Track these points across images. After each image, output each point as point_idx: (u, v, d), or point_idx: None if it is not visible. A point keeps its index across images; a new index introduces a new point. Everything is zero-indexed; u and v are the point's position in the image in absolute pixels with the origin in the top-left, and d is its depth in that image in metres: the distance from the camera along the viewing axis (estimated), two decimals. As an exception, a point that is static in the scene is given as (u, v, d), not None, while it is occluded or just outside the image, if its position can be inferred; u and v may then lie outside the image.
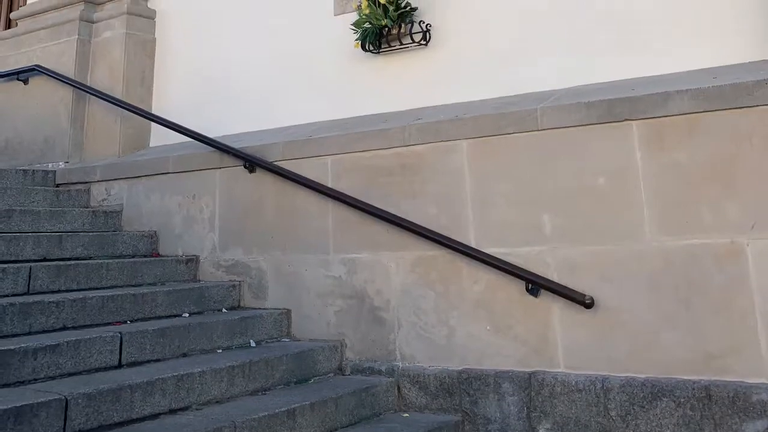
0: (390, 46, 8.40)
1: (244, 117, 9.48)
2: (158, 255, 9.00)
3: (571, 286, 6.44)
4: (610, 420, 6.16)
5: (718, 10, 6.81)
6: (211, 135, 9.03)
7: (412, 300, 7.34)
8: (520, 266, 6.71)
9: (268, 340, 7.81)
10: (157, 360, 6.70)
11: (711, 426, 5.77)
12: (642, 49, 7.09)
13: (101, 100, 10.23)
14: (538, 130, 6.82)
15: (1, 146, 10.95)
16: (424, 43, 8.24)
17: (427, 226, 7.23)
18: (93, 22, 10.95)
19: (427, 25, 8.23)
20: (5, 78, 11.05)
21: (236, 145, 8.66)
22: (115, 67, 10.50)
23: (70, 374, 6.03)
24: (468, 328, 7.00)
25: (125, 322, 7.18)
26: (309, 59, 9.18)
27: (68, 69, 10.59)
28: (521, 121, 6.91)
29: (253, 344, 7.58)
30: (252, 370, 6.71)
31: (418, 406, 7.14)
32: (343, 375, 7.59)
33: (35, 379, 5.81)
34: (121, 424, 5.66)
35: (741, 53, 6.61)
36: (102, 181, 9.74)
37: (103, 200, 9.67)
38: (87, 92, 10.38)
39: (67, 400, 5.34)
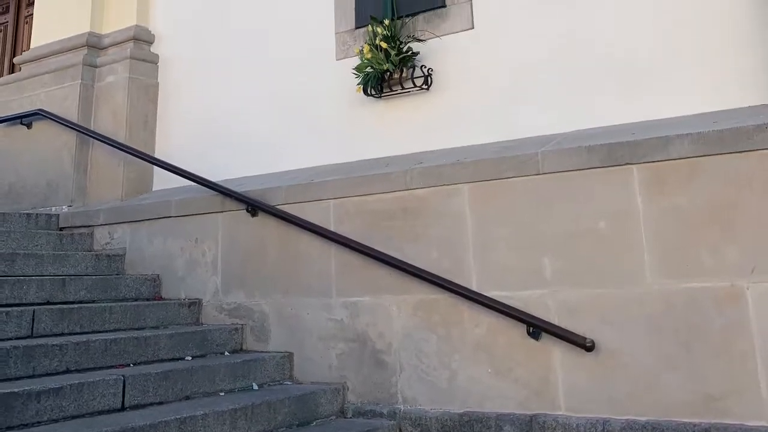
0: (392, 91, 8.46)
1: (247, 161, 9.53)
2: (161, 298, 9.02)
3: (571, 329, 6.46)
4: (612, 463, 6.18)
5: (717, 55, 6.87)
6: (213, 179, 9.07)
7: (413, 343, 7.35)
8: (521, 309, 6.73)
9: (271, 383, 7.81)
10: (160, 403, 6.69)
11: (712, 469, 5.79)
12: (642, 94, 7.15)
13: (104, 144, 10.27)
14: (539, 174, 6.86)
15: (4, 190, 10.99)
16: (426, 87, 8.30)
17: (428, 270, 7.25)
18: (96, 67, 11.02)
19: (428, 69, 8.30)
20: (9, 122, 11.09)
21: (239, 189, 8.69)
22: (119, 111, 10.55)
23: (74, 417, 6.03)
24: (469, 371, 7.02)
25: (128, 365, 7.18)
26: (311, 103, 9.24)
27: (71, 113, 10.64)
28: (522, 165, 6.95)
29: (255, 387, 7.58)
30: (254, 413, 6.70)
31: (420, 449, 7.16)
32: (345, 418, 7.58)
33: (38, 422, 5.80)
34: (124, 466, 5.67)
35: (741, 98, 6.67)
36: (105, 224, 9.78)
37: (106, 244, 9.70)
38: (90, 136, 10.43)
39: (70, 443, 5.37)
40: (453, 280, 7.12)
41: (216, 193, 8.85)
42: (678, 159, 6.23)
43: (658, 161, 6.31)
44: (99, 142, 10.36)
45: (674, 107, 6.94)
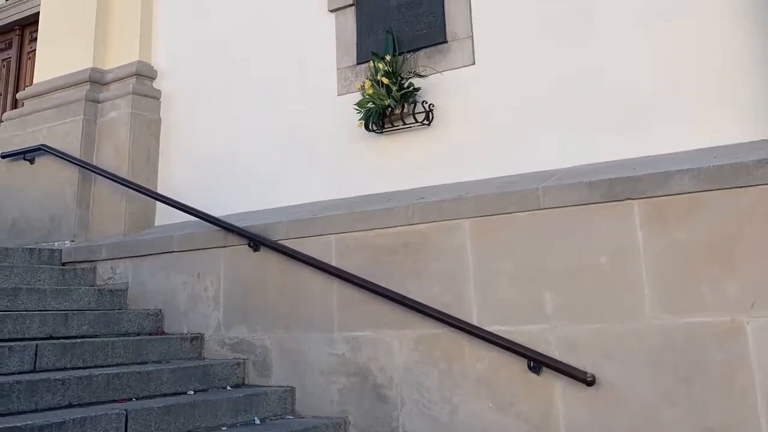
0: (393, 126, 8.51)
1: (249, 195, 9.58)
2: (163, 333, 9.04)
3: (572, 363, 6.47)
4: (613, 497, 6.19)
5: (717, 90, 6.92)
6: (215, 213, 9.12)
7: (415, 378, 7.36)
8: (521, 344, 6.74)
9: (273, 417, 7.81)
10: (162, 437, 6.73)
11: (714, 503, 5.80)
12: (642, 130, 7.20)
13: (107, 180, 10.32)
14: (540, 209, 6.89)
15: (7, 225, 11.02)
16: (427, 123, 8.36)
17: (430, 304, 7.27)
18: (98, 102, 11.07)
19: (429, 105, 8.36)
20: (12, 158, 11.15)
21: (241, 224, 8.73)
22: (121, 146, 10.60)
23: (76, 451, 6.06)
24: (471, 405, 7.02)
25: (131, 399, 7.19)
26: (313, 138, 9.30)
27: (74, 148, 10.69)
28: (523, 201, 6.99)
29: (257, 421, 7.58)
30: (256, 447, 6.73)
31: (421, 483, 7.16)
32: (347, 452, 7.62)
33: (42, 457, 5.83)
34: (127, 500, 5.69)
35: (740, 133, 6.72)
36: (108, 259, 9.81)
37: (108, 279, 9.73)
38: (93, 172, 10.47)
39: (73, 477, 5.37)
40: (454, 315, 7.14)
41: (218, 228, 8.88)
42: (678, 194, 6.26)
43: (659, 196, 6.34)
44: (101, 177, 10.39)
45: (674, 143, 6.99)
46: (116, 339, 8.14)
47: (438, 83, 8.43)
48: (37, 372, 7.18)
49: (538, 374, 6.67)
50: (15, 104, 13.73)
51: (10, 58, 15.05)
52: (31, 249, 9.82)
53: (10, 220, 11.06)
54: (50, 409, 6.56)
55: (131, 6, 11.41)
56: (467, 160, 8.09)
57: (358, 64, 9.09)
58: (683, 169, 6.29)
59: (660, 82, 7.22)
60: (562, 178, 7.06)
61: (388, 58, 8.48)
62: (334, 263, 7.96)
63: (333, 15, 9.44)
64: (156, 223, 10.45)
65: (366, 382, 7.66)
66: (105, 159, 10.67)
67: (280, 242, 8.33)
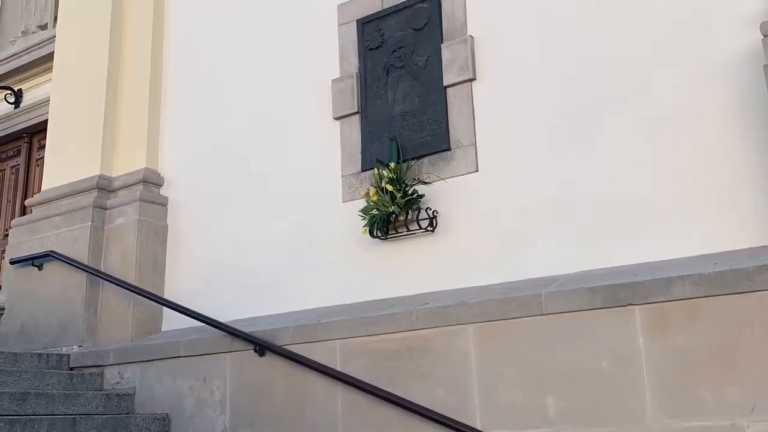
0: (397, 233, 8.62)
1: (255, 300, 9.65)
2: (170, 437, 9.09)
3: (576, 467, 6.51)
4: None
5: (717, 196, 7.03)
6: (222, 318, 9.19)
7: (420, 482, 7.38)
8: (526, 448, 6.79)
9: None
10: None
11: None
12: (644, 236, 7.30)
13: (114, 285, 10.40)
14: (543, 315, 6.96)
15: (16, 330, 11.07)
16: (431, 229, 8.46)
17: (434, 409, 7.30)
18: (106, 209, 11.18)
19: (433, 212, 8.47)
20: (21, 263, 11.23)
21: (247, 329, 8.79)
22: (128, 252, 10.69)
23: None
24: None
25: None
26: (317, 244, 9.40)
27: (82, 254, 10.78)
28: (526, 306, 7.06)
29: None
30: None
31: None
32: None
33: None
34: None
35: (741, 239, 6.82)
36: (115, 364, 9.84)
37: (116, 383, 9.76)
38: (100, 278, 10.56)
39: None
40: (458, 419, 7.16)
41: (224, 333, 8.94)
42: (679, 300, 6.34)
43: (660, 302, 6.42)
44: (109, 283, 10.47)
45: (675, 248, 7.08)
46: (124, 443, 8.18)
47: (442, 190, 8.55)
48: (46, 476, 7.21)
49: (542, 478, 6.71)
50: (23, 211, 13.87)
51: (18, 165, 15.25)
52: (39, 354, 9.86)
53: (19, 325, 11.10)
54: None
55: (138, 114, 11.57)
56: (471, 266, 8.18)
57: (362, 171, 9.20)
58: (684, 275, 6.37)
59: (660, 188, 7.34)
60: (564, 283, 7.15)
61: (392, 165, 8.61)
62: (338, 368, 8.01)
63: (338, 123, 9.59)
64: (163, 328, 10.50)
65: (372, 486, 7.67)
66: (113, 265, 10.76)
67: (285, 347, 8.39)
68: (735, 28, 7.23)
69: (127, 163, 11.47)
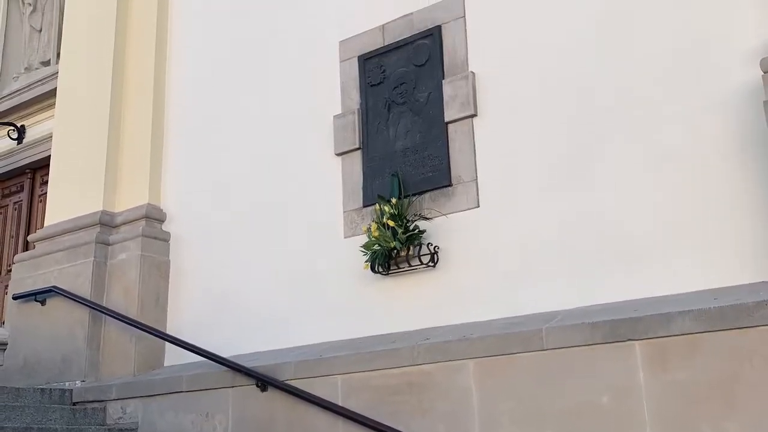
0: (399, 268, 8.65)
1: (257, 335, 9.67)
2: (171, 471, 9.09)
3: (577, 503, 6.52)
4: None
5: (717, 232, 7.07)
6: (224, 353, 9.21)
7: None
8: (527, 484, 6.80)
9: None
10: None
11: None
12: (644, 271, 7.34)
13: (117, 320, 10.42)
14: (543, 350, 6.99)
15: (19, 365, 11.08)
16: (432, 265, 8.49)
17: (436, 444, 7.33)
18: (109, 245, 11.21)
19: (435, 247, 8.50)
20: (23, 299, 11.25)
21: (248, 364, 8.80)
22: (131, 287, 10.72)
23: None
24: None
25: None
26: (319, 279, 9.42)
27: (84, 290, 10.80)
28: (527, 342, 7.09)
29: None
30: None
31: None
32: None
33: None
34: None
35: (741, 274, 6.84)
36: (118, 399, 9.84)
37: (119, 418, 9.76)
38: (103, 313, 10.58)
39: None
40: (460, 454, 7.19)
41: (226, 368, 8.96)
42: (680, 335, 6.36)
43: (660, 337, 6.45)
44: (111, 318, 10.49)
45: (675, 284, 7.10)
46: (126, 478, 8.19)
47: (443, 225, 8.58)
48: None
49: None
50: (26, 246, 13.90)
51: (21, 200, 15.31)
52: (42, 389, 9.89)
53: (21, 360, 11.11)
54: None
55: (140, 150, 11.62)
56: (472, 301, 8.20)
57: (364, 206, 9.23)
58: (684, 310, 6.40)
59: (660, 224, 7.38)
60: (564, 319, 7.18)
61: (393, 201, 8.65)
62: (340, 402, 8.01)
63: (339, 159, 9.64)
64: (165, 363, 10.51)
65: None
66: (115, 300, 10.78)
67: (287, 382, 8.39)
68: (735, 64, 7.28)
69: (129, 199, 11.52)
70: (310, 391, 8.19)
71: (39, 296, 11.13)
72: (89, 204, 11.59)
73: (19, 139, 15.40)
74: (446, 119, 8.84)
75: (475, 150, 8.62)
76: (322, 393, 8.14)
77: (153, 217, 11.27)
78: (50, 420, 9.18)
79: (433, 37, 9.19)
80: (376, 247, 8.62)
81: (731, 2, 7.41)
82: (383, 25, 9.61)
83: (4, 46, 16.36)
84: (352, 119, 9.57)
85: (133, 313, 10.47)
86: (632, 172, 7.64)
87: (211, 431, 8.97)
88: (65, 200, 11.91)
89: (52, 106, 13.41)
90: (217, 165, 11.03)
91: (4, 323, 12.61)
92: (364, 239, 8.86)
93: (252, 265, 10.18)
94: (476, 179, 8.51)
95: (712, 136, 7.29)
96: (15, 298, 11.40)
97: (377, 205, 8.80)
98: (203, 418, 9.06)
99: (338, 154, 9.65)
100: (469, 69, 8.85)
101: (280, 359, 8.77)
